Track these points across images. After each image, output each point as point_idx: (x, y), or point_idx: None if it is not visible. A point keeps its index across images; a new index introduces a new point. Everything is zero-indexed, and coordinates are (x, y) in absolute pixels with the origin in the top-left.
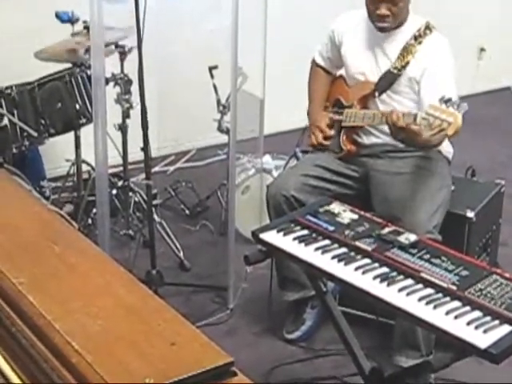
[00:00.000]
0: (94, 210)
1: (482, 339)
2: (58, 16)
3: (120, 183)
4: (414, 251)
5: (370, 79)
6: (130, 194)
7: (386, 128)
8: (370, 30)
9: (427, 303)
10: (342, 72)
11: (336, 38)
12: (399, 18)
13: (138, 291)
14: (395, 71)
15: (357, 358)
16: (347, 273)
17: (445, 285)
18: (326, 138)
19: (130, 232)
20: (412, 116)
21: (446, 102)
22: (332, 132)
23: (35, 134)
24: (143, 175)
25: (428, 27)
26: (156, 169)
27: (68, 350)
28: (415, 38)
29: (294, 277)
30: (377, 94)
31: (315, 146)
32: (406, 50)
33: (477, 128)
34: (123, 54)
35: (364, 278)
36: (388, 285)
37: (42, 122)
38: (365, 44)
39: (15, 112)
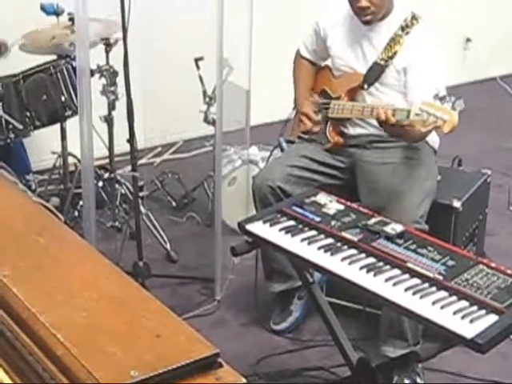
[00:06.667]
0: (81, 203)
1: (469, 329)
2: (43, 8)
3: (106, 175)
4: (401, 241)
5: (358, 71)
6: (117, 186)
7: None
8: (356, 22)
9: (414, 293)
10: (327, 62)
11: (321, 31)
12: (382, 8)
13: (124, 283)
14: (382, 62)
15: (344, 349)
16: (334, 263)
17: (431, 275)
18: (314, 124)
19: (117, 224)
20: (405, 112)
21: (441, 99)
22: (319, 117)
23: (20, 127)
24: (129, 167)
25: (414, 17)
26: (142, 161)
27: (53, 342)
28: (402, 28)
29: (280, 268)
30: (366, 86)
31: (305, 134)
32: (394, 41)
33: (463, 118)
34: (109, 46)
35: (350, 268)
36: (374, 275)
37: (28, 114)
38: (351, 36)
39: (0, 104)
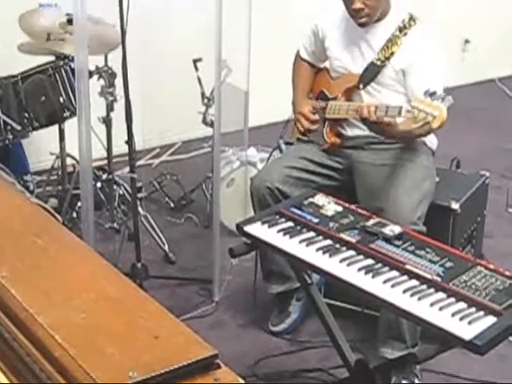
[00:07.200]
0: (79, 204)
1: (467, 330)
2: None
3: (104, 176)
4: (399, 243)
5: (355, 72)
6: (115, 187)
7: None
8: (352, 24)
9: (412, 295)
10: (325, 64)
11: (320, 32)
12: (376, 10)
13: (122, 284)
14: (378, 63)
15: (342, 350)
16: (332, 265)
17: (429, 276)
18: (311, 123)
19: (115, 225)
20: (397, 109)
21: (431, 95)
22: (316, 116)
23: (19, 128)
24: (128, 168)
25: (412, 18)
26: (141, 162)
27: (51, 343)
28: (400, 29)
29: (278, 269)
30: (361, 86)
31: (303, 134)
32: (391, 42)
33: (461, 120)
34: None
35: (349, 269)
36: (373, 277)
37: (26, 115)
38: (349, 37)
39: None
